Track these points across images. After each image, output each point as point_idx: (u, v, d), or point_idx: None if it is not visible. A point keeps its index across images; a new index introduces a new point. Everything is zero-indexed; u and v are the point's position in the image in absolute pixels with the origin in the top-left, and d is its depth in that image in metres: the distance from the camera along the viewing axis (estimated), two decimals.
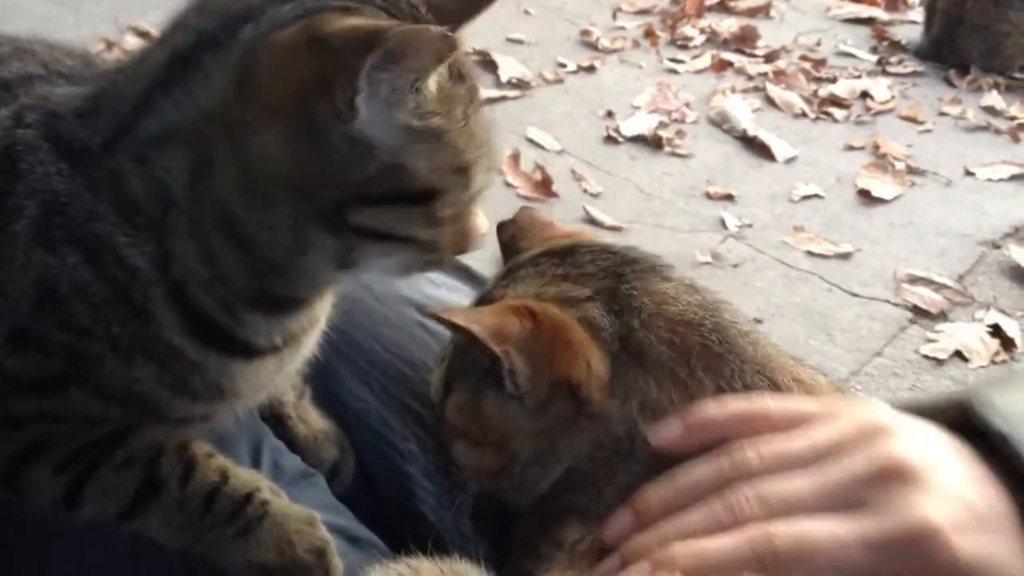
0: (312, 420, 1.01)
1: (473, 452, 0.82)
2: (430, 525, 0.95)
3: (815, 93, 3.41)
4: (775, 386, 0.75)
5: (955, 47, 3.63)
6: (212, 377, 0.78)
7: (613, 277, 0.79)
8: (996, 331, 2.18)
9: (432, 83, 0.70)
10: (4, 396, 0.76)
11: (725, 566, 0.64)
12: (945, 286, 2.35)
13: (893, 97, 3.41)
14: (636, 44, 3.80)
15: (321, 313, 0.86)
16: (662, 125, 3.13)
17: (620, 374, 0.75)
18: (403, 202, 0.72)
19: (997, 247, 2.55)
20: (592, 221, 2.56)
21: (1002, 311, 2.26)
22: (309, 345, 0.87)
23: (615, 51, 3.72)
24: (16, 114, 0.77)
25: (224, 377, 0.79)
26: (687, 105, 3.28)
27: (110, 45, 3.04)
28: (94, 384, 0.76)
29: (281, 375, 0.87)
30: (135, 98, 0.73)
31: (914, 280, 2.37)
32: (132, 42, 3.23)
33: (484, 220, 0.79)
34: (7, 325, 0.74)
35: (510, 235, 0.92)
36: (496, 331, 0.73)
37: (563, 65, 3.52)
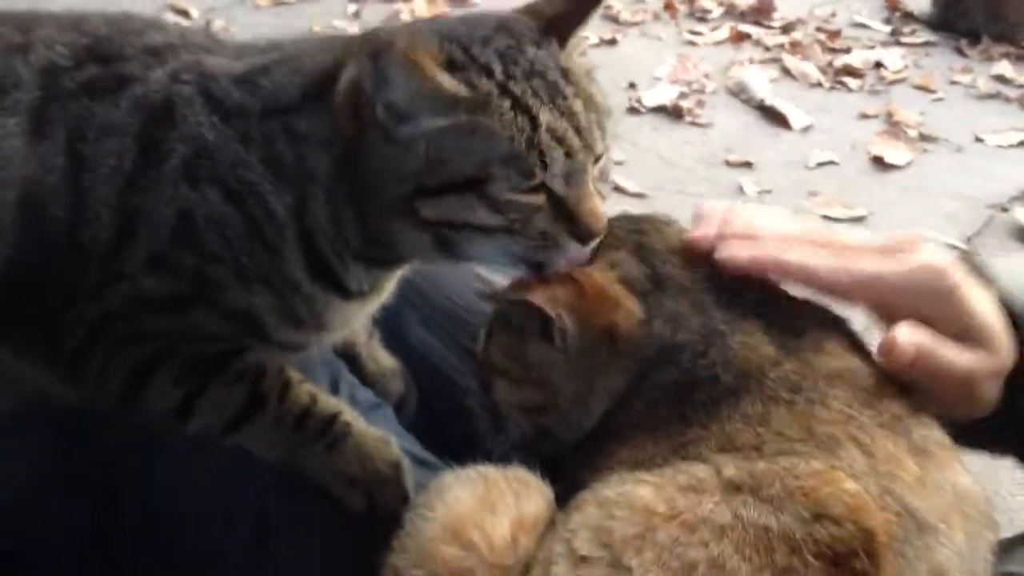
0: (381, 358, 1.13)
1: (514, 390, 0.91)
2: (486, 453, 1.06)
3: (830, 63, 3.48)
4: (775, 296, 0.85)
5: (962, 7, 3.69)
6: (316, 308, 0.92)
7: (636, 233, 0.91)
8: None
9: (445, 82, 0.80)
10: (140, 313, 0.89)
11: None
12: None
13: (906, 67, 3.48)
14: (656, 17, 3.87)
15: (400, 270, 0.99)
16: (682, 96, 3.21)
17: (649, 305, 0.85)
18: (457, 191, 0.82)
19: (1005, 210, 2.64)
20: (617, 188, 2.65)
21: None
22: (387, 292, 1.00)
23: (636, 24, 3.80)
24: (173, 74, 0.90)
25: (325, 310, 0.92)
26: (706, 76, 3.35)
27: None
28: (215, 306, 0.89)
29: (362, 316, 1.01)
30: (294, 92, 0.87)
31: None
32: (171, 19, 3.33)
33: (599, 203, 0.87)
34: (147, 250, 0.87)
35: None
36: (550, 298, 0.85)
37: (585, 38, 3.58)
